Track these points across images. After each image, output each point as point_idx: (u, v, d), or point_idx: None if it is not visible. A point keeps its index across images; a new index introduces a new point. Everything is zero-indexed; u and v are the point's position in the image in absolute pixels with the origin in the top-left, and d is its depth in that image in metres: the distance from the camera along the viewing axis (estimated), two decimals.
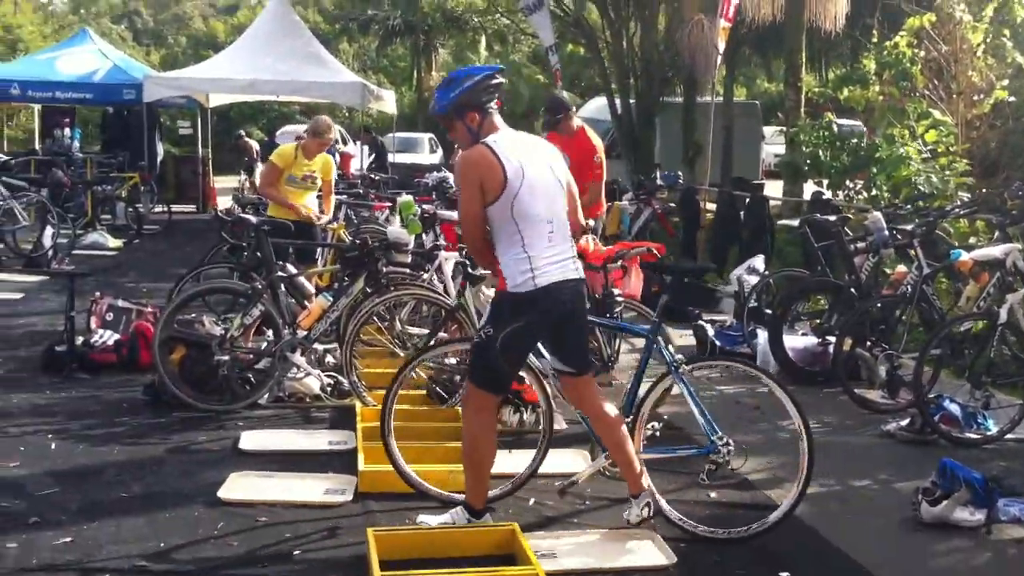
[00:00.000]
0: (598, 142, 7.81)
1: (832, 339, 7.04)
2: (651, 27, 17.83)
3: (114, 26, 49.08)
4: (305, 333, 6.10)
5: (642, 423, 4.57)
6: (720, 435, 4.37)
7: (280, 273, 6.27)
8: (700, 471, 4.46)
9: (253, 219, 6.59)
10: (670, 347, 4.67)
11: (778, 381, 4.58)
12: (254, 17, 45.65)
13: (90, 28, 22.81)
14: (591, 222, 7.40)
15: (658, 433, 4.69)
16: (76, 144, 18.99)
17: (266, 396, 6.15)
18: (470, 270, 5.85)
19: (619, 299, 5.77)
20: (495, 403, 4.50)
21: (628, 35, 18.02)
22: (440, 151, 29.60)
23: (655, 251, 5.95)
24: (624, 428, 4.43)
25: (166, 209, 16.61)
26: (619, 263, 5.88)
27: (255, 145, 21.79)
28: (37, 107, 20.94)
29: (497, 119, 4.24)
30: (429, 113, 4.77)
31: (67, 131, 18.86)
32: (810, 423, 4.41)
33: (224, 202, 21.35)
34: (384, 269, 6.16)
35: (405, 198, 7.27)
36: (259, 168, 21.26)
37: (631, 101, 18.01)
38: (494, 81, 4.24)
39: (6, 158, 16.57)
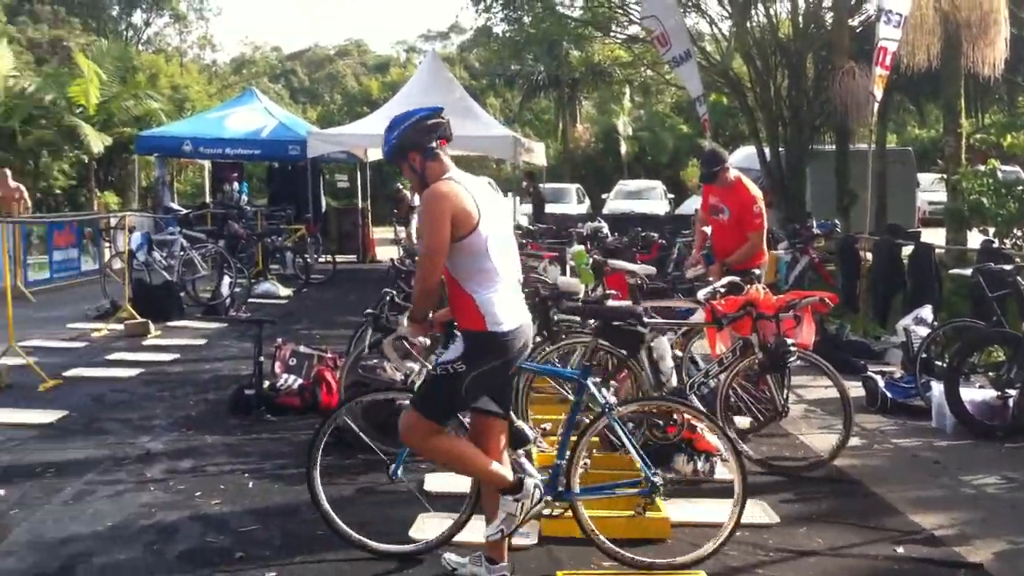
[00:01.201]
0: (757, 192, 7.85)
1: (1013, 392, 6.84)
2: (799, 75, 17.70)
3: (272, 85, 51.51)
4: None
5: (576, 464, 4.55)
6: (655, 472, 4.48)
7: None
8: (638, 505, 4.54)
9: None
10: (602, 390, 4.63)
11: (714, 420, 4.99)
12: (405, 75, 47.53)
13: (256, 88, 24.05)
14: (756, 271, 7.45)
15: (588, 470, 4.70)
16: (244, 197, 20.06)
17: None
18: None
19: (792, 348, 5.77)
20: (441, 431, 4.37)
21: (776, 84, 17.93)
22: (587, 201, 29.96)
23: (828, 300, 5.95)
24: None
25: (330, 259, 17.31)
26: (791, 312, 5.89)
27: (411, 197, 22.46)
28: (207, 163, 22.15)
29: (445, 159, 4.21)
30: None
31: (236, 185, 19.95)
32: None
33: (382, 252, 22.17)
34: (555, 317, 6.32)
35: (577, 248, 7.45)
36: (414, 219, 22.02)
37: (780, 149, 17.88)
38: (430, 121, 4.21)
39: (186, 211, 17.63)
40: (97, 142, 27.94)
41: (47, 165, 31.32)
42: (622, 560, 4.51)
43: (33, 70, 32.94)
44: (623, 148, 38.48)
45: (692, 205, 21.49)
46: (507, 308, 4.15)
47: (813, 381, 7.95)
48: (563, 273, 8.48)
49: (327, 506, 4.75)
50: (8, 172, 17.04)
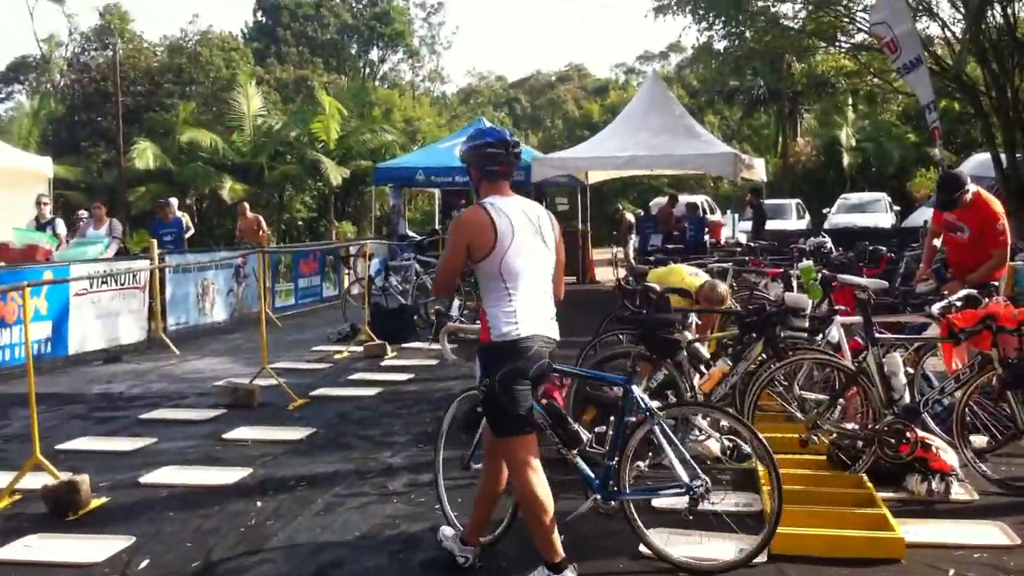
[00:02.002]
0: (999, 207, 7.54)
1: None
2: None
3: (496, 113, 53.14)
4: (706, 396, 6.38)
5: (626, 465, 4.73)
6: (698, 479, 4.61)
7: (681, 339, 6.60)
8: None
9: (658, 287, 7.00)
10: (645, 396, 4.83)
11: (746, 425, 4.99)
12: (624, 97, 47.92)
13: (484, 117, 24.93)
14: (995, 283, 7.17)
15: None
16: None
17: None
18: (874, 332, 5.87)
19: None
20: (532, 443, 4.51)
21: (1013, 87, 16.92)
22: (808, 216, 29.18)
23: None
24: (498, 492, 4.72)
25: None
26: None
27: (631, 218, 22.70)
28: (437, 190, 23.16)
29: (502, 186, 4.54)
30: None
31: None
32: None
33: (601, 274, 22.45)
34: (782, 334, 6.32)
35: (805, 263, 7.39)
36: (632, 240, 22.24)
37: (1017, 156, 16.84)
38: (490, 149, 4.50)
39: (419, 238, 18.55)
40: (337, 175, 29.86)
41: (291, 198, 33.66)
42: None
43: (280, 109, 35.46)
44: (846, 160, 37.18)
45: (920, 217, 20.53)
46: (514, 321, 4.40)
47: None
48: (787, 290, 8.40)
49: None
50: (247, 205, 18.51)
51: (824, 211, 28.31)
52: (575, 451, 4.80)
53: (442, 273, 4.71)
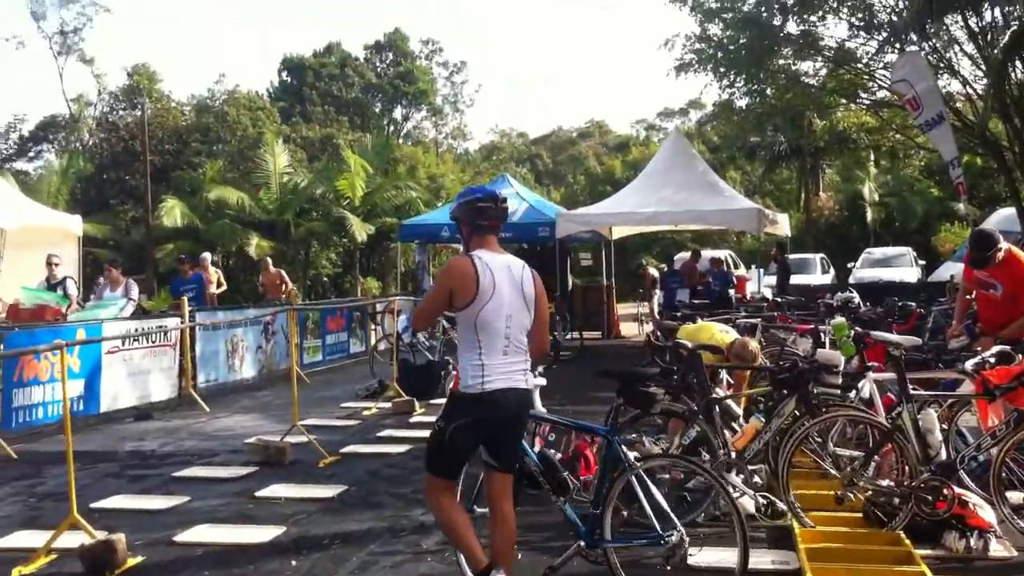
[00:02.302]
0: None
1: None
2: None
3: (518, 169, 53.53)
4: (739, 453, 6.37)
5: (608, 514, 5.00)
6: (672, 531, 4.79)
7: (714, 395, 6.63)
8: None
9: (689, 344, 7.03)
10: (624, 448, 5.07)
11: (713, 475, 5.22)
12: (646, 153, 48.24)
13: (508, 173, 25.15)
14: None
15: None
16: None
17: (702, 515, 6.44)
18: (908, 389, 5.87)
19: None
20: (452, 487, 4.88)
21: None
22: (832, 271, 29.15)
23: None
24: (512, 538, 4.89)
25: (578, 336, 17.74)
26: None
27: (655, 273, 22.75)
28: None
29: (491, 239, 4.82)
30: None
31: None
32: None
33: (626, 329, 22.45)
34: (815, 391, 6.32)
35: (838, 320, 7.39)
36: (657, 295, 22.27)
37: None
38: (480, 204, 4.81)
39: None
40: (362, 231, 30.13)
41: (316, 254, 33.94)
42: None
43: (305, 167, 35.93)
44: (869, 215, 37.21)
45: (946, 272, 20.47)
46: (479, 375, 4.65)
47: None
48: (816, 346, 8.39)
49: None
50: (269, 260, 18.69)
51: (849, 265, 28.25)
52: (563, 499, 5.08)
53: (422, 312, 5.13)
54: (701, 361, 6.81)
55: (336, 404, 12.60)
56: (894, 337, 6.56)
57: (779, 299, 13.75)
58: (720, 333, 7.73)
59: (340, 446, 9.62)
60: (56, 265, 13.89)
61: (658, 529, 4.82)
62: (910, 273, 26.01)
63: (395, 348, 13.28)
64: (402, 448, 9.56)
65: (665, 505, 4.97)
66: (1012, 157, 17.64)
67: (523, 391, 4.80)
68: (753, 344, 7.57)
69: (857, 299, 11.90)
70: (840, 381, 6.38)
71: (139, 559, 6.00)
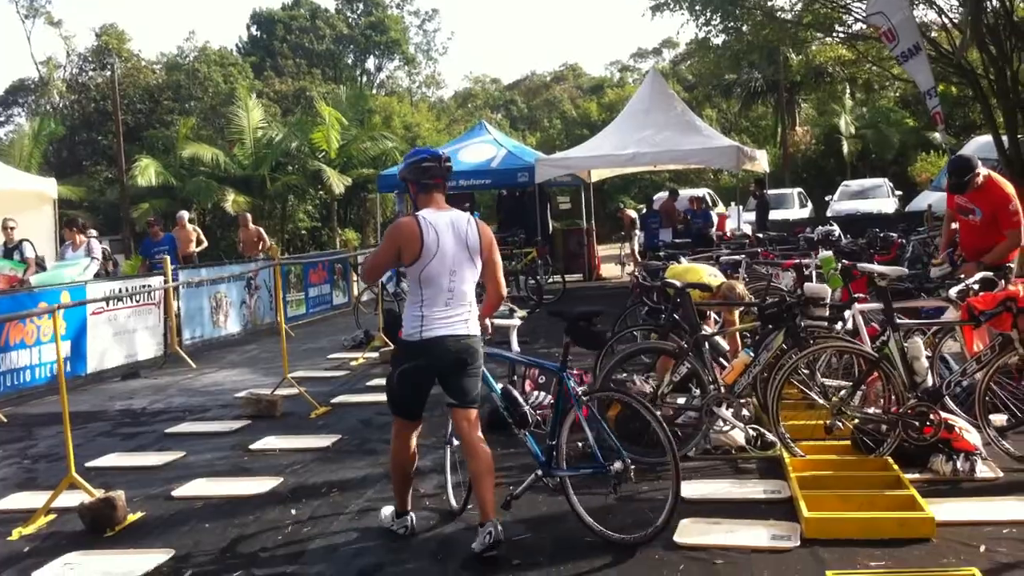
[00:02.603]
0: (1010, 188, 7.64)
1: None
2: None
3: (493, 115, 53.20)
4: (729, 387, 6.45)
5: (561, 446, 5.32)
6: (617, 461, 5.09)
7: (703, 332, 6.69)
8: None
9: (678, 283, 7.06)
10: (572, 383, 5.39)
11: (647, 407, 5.36)
12: (622, 95, 47.99)
13: (485, 120, 25.00)
14: (1009, 265, 7.24)
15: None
16: None
17: (694, 449, 6.54)
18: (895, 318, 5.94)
19: None
20: (410, 427, 5.35)
21: (1013, 69, 16.96)
22: (810, 205, 29.26)
23: None
24: (486, 465, 5.13)
25: (560, 279, 17.79)
26: None
27: (633, 215, 22.77)
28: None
29: (436, 196, 5.17)
30: None
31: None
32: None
33: (607, 270, 22.52)
34: (802, 323, 6.38)
35: (825, 253, 7.45)
36: (637, 236, 22.32)
37: (1019, 137, 16.88)
38: (425, 164, 5.15)
39: None
40: (339, 183, 29.97)
41: (293, 208, 33.76)
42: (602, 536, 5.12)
43: (279, 121, 35.59)
44: (845, 148, 37.28)
45: (923, 202, 20.58)
46: (422, 324, 5.06)
47: None
48: (800, 280, 8.46)
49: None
50: (248, 216, 18.52)
51: (826, 199, 28.37)
52: (524, 431, 5.43)
53: (371, 267, 5.50)
54: (690, 299, 6.86)
55: (323, 356, 12.64)
56: (880, 268, 6.60)
57: (760, 235, 13.80)
58: (708, 276, 7.77)
59: (330, 396, 9.67)
60: (12, 229, 13.69)
61: (601, 459, 5.15)
62: (887, 204, 26.15)
63: (379, 298, 13.28)
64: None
65: (613, 438, 5.30)
66: (988, 84, 17.65)
67: (463, 337, 5.12)
68: (740, 287, 7.63)
69: (838, 232, 11.96)
70: (827, 313, 6.44)
71: (139, 515, 6.04)
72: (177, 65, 41.37)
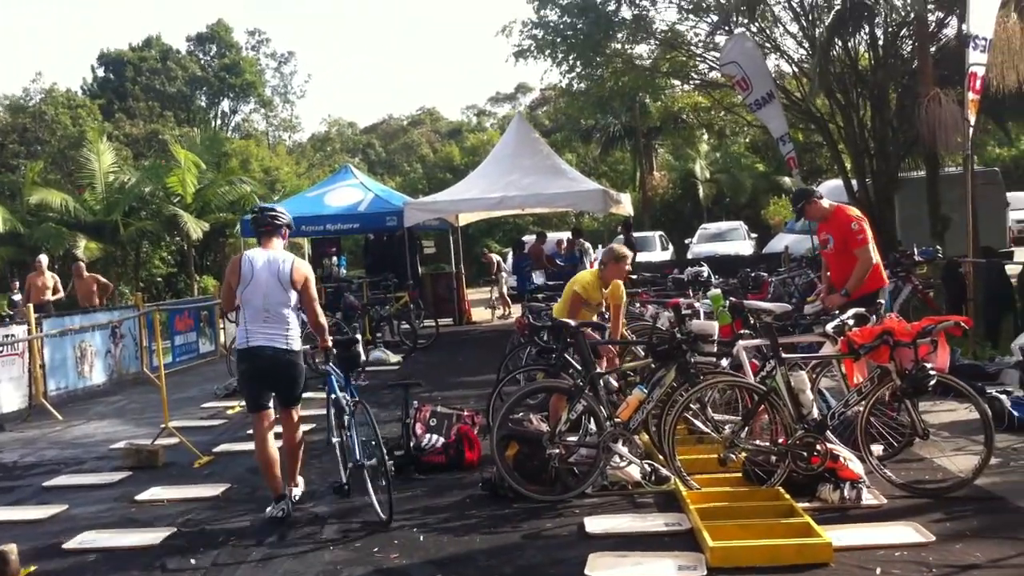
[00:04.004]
0: (854, 211, 8.33)
1: None
2: (883, 106, 17.80)
3: (350, 159, 52.88)
4: (625, 424, 6.61)
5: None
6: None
7: (598, 370, 6.85)
8: None
9: (572, 323, 7.21)
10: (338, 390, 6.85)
11: None
12: (483, 139, 48.52)
13: (351, 165, 24.84)
14: (880, 300, 7.67)
15: None
16: (343, 270, 20.74)
17: (591, 486, 6.66)
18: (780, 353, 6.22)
19: (932, 373, 6.00)
20: (259, 418, 6.74)
21: (859, 116, 18.05)
22: (671, 247, 30.18)
23: (963, 324, 6.18)
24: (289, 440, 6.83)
25: (433, 323, 17.80)
26: (928, 338, 6.11)
27: (497, 258, 23.06)
28: (305, 240, 22.90)
29: (266, 240, 6.78)
30: None
31: (335, 259, 20.67)
32: None
33: (477, 314, 22.64)
34: (692, 360, 6.61)
35: (714, 292, 7.74)
36: (504, 279, 22.56)
37: (867, 180, 17.93)
38: (254, 216, 7.05)
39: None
40: (196, 228, 29.17)
41: (148, 254, 32.63)
42: None
43: (132, 165, 34.47)
44: (701, 192, 38.71)
45: (780, 243, 21.53)
46: (247, 336, 6.55)
47: (935, 406, 8.14)
48: (679, 318, 8.72)
49: None
50: (82, 265, 17.76)
51: (686, 241, 29.30)
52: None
53: (223, 299, 7.03)
54: (584, 338, 7.02)
55: (196, 405, 12.28)
56: (767, 305, 6.94)
57: (632, 276, 14.15)
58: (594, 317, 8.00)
59: (211, 445, 9.43)
60: None
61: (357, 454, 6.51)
62: (745, 246, 27.22)
63: None
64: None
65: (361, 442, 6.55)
66: (836, 130, 18.70)
67: (281, 349, 6.58)
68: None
69: (707, 272, 12.41)
70: (715, 350, 6.68)
71: (31, 568, 5.76)
72: (22, 107, 39.71)
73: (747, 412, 6.57)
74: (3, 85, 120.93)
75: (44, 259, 17.03)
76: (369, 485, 6.49)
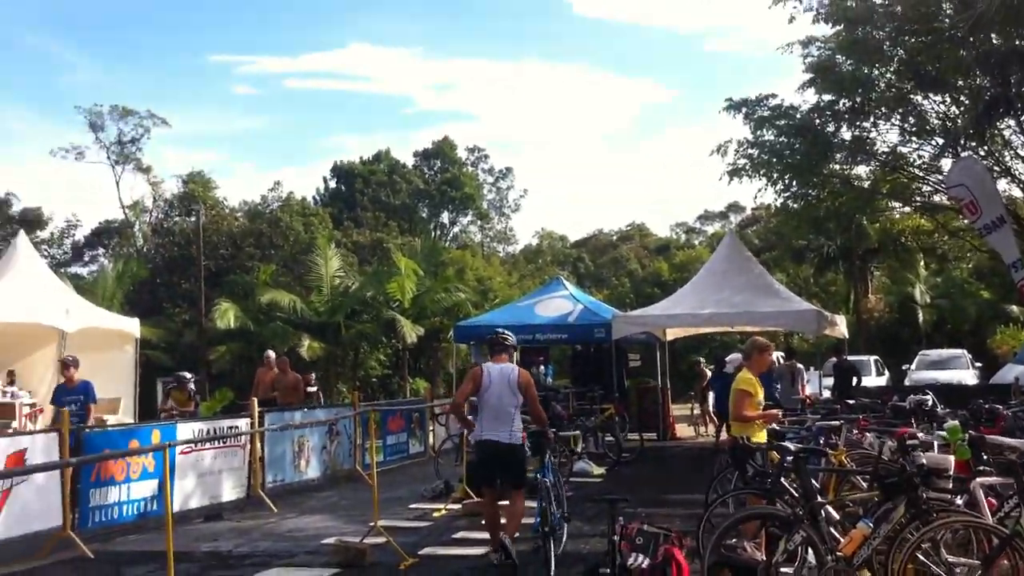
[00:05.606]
0: None
1: None
2: None
3: (560, 272, 53.81)
4: (848, 559, 6.24)
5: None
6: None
7: (820, 499, 6.53)
8: None
9: (792, 446, 6.95)
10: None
11: None
12: (692, 256, 48.37)
13: (562, 278, 25.27)
14: None
15: None
16: (550, 380, 20.89)
17: None
18: None
19: None
20: (488, 495, 8.73)
21: None
22: (887, 373, 28.80)
23: None
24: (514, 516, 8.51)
25: (638, 437, 17.58)
26: None
27: (708, 373, 22.61)
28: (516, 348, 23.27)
29: (497, 356, 8.73)
30: None
31: (543, 368, 20.87)
32: None
33: (681, 430, 22.21)
34: (924, 495, 6.20)
35: (952, 424, 7.27)
36: (711, 396, 22.07)
37: None
38: (490, 339, 9.03)
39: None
40: (412, 333, 30.33)
41: (365, 355, 34.10)
42: None
43: (356, 270, 36.40)
44: (920, 316, 36.96)
45: (1009, 374, 20.11)
46: (481, 431, 8.43)
47: None
48: (904, 449, 8.24)
49: None
50: (287, 361, 18.44)
51: (904, 367, 27.93)
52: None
53: (455, 400, 9.27)
54: (806, 465, 6.73)
55: (403, 505, 12.50)
56: (1012, 441, 6.45)
57: (850, 401, 13.53)
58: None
59: (416, 547, 9.53)
60: (70, 367, 12.98)
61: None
62: (967, 375, 25.62)
63: (462, 448, 13.21)
64: (480, 550, 9.39)
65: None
66: None
67: (504, 443, 8.31)
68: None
69: (931, 400, 11.70)
70: (950, 486, 6.26)
71: None
72: (259, 213, 42.81)
73: (987, 557, 6.07)
74: (245, 192, 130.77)
75: (271, 354, 17.98)
76: None
